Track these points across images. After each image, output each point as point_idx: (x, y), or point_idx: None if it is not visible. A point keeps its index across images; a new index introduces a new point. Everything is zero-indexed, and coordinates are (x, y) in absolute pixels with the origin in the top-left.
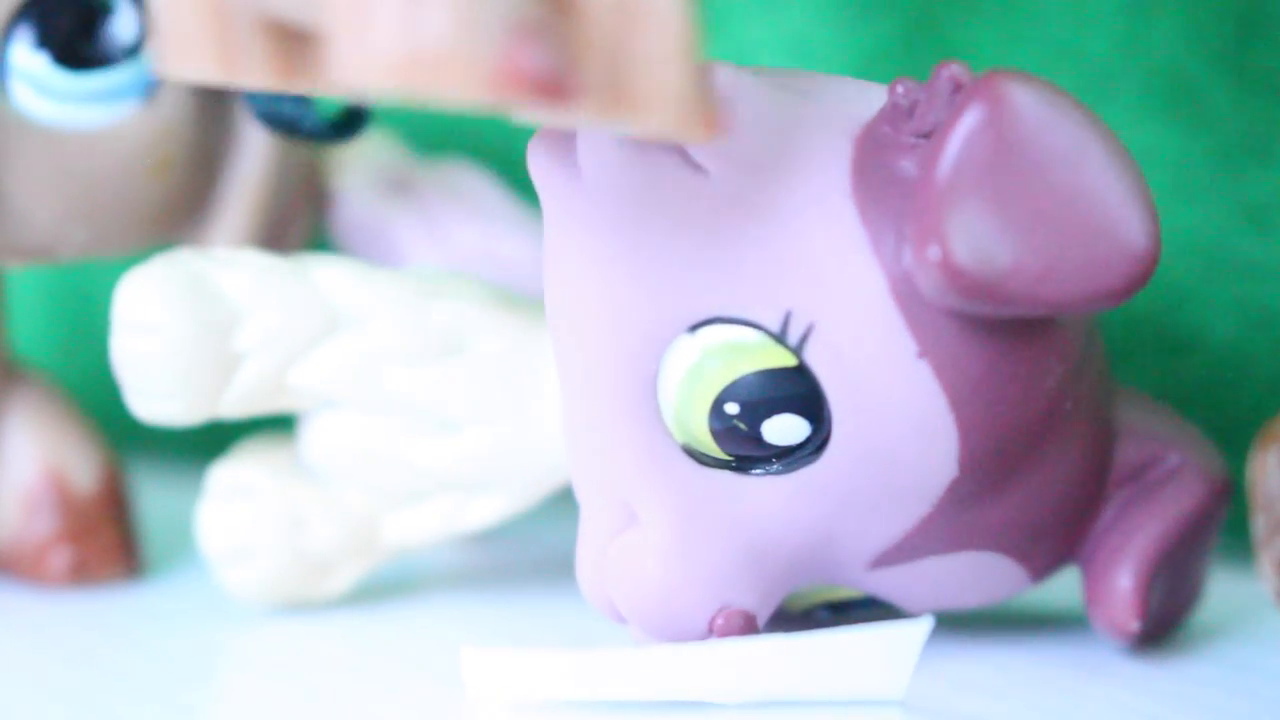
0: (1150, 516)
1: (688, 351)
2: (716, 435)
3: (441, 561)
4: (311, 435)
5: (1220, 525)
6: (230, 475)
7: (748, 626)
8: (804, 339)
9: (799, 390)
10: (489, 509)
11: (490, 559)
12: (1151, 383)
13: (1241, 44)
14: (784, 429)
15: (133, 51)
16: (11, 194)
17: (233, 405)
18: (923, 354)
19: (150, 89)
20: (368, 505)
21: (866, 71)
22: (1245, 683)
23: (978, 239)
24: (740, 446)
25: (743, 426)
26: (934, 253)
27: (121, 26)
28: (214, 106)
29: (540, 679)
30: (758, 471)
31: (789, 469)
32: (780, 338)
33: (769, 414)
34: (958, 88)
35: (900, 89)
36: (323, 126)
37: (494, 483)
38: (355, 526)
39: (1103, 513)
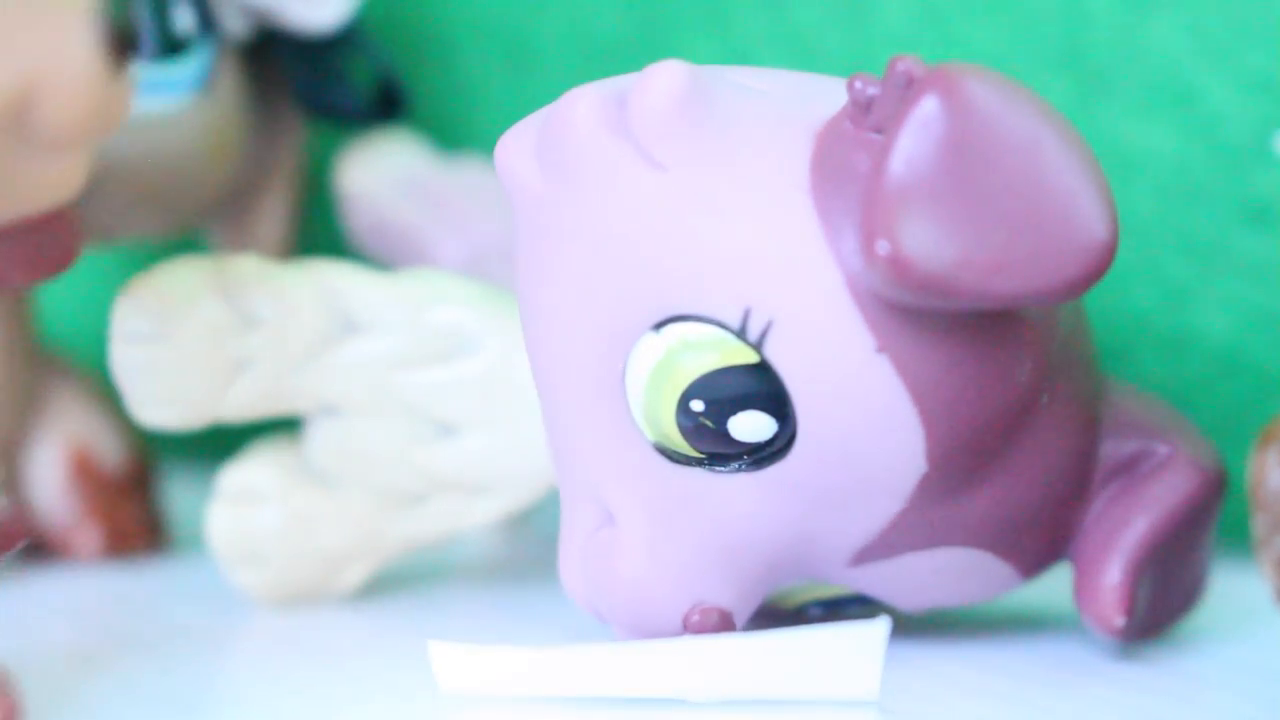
0: (1139, 509)
1: (653, 349)
2: (686, 433)
3: (442, 558)
4: (315, 439)
5: (1215, 518)
6: (239, 478)
7: (724, 624)
8: (764, 335)
9: (762, 387)
10: (490, 508)
11: (490, 556)
12: (1149, 381)
13: (1241, 43)
14: (750, 426)
15: (190, 44)
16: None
17: (233, 410)
18: (882, 349)
19: (207, 80)
20: (372, 507)
21: (867, 68)
22: (1245, 683)
23: (927, 233)
24: (709, 444)
25: (709, 424)
26: (882, 247)
27: (180, 20)
28: (262, 95)
29: (509, 674)
30: (729, 469)
31: (759, 466)
32: (741, 334)
33: (734, 411)
34: (910, 82)
35: (857, 84)
36: (363, 108)
37: (495, 483)
38: (361, 528)
39: (1091, 506)
